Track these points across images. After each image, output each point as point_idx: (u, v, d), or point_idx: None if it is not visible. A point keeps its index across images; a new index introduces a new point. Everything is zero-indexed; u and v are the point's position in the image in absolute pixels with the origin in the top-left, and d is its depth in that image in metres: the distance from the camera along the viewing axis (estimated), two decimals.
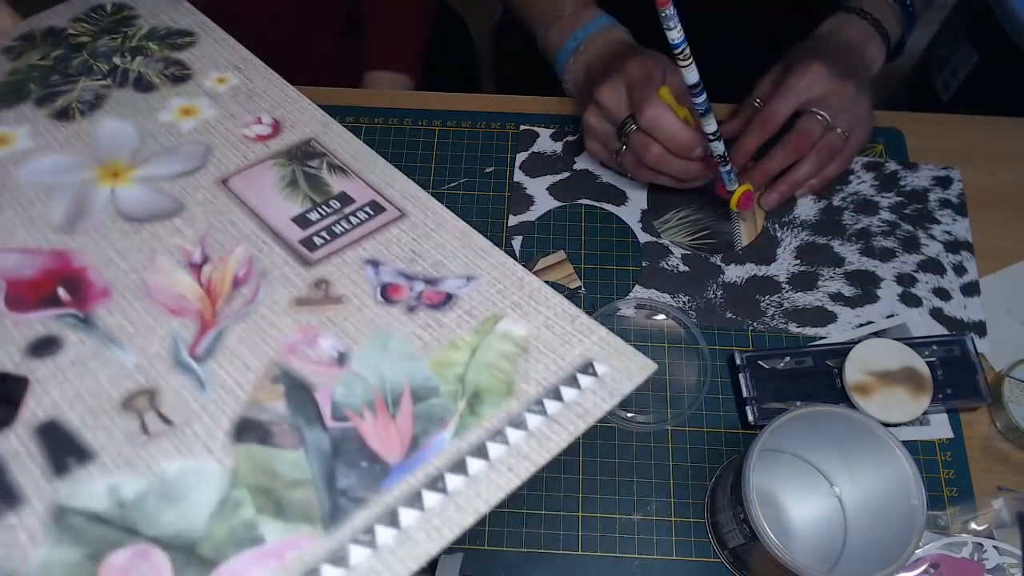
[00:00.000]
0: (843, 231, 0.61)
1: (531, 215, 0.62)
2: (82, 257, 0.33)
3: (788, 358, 0.55)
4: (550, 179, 0.64)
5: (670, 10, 0.45)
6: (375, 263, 0.33)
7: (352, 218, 0.35)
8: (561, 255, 0.61)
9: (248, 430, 0.28)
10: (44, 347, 0.30)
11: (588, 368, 0.30)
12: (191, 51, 0.42)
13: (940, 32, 0.84)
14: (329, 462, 0.27)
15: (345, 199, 0.36)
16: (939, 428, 0.54)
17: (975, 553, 0.49)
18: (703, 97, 0.50)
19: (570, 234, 0.62)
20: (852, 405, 0.52)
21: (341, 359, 0.30)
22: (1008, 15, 0.71)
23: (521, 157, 0.65)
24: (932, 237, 0.61)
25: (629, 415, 0.54)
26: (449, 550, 0.50)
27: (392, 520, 0.26)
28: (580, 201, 0.63)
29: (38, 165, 0.37)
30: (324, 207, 0.35)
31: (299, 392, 0.29)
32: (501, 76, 0.94)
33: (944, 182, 0.63)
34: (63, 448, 0.28)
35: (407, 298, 0.32)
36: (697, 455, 0.53)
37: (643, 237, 0.61)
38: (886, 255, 0.60)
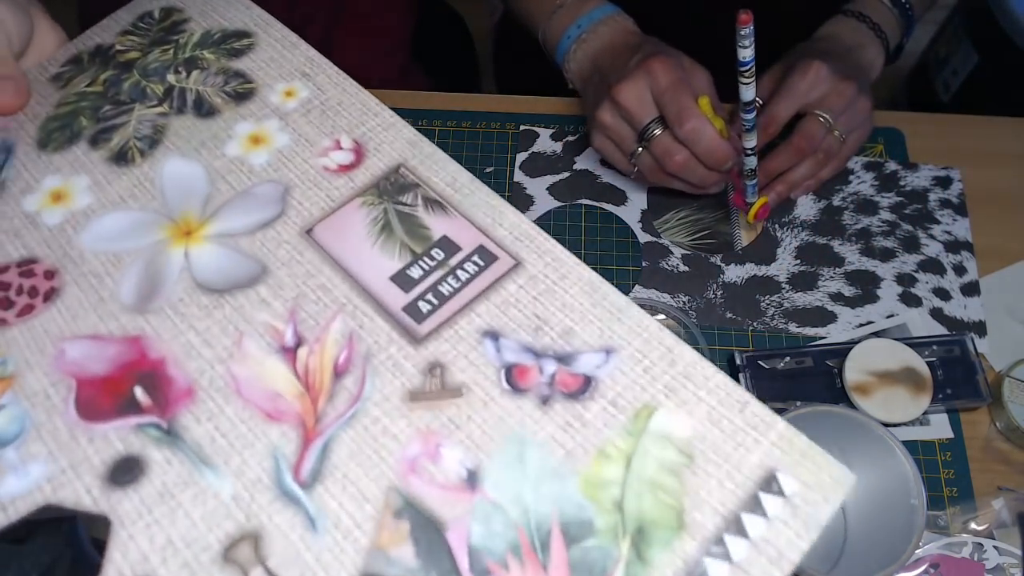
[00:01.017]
0: (843, 231, 0.61)
1: (531, 215, 0.62)
2: (159, 344, 0.29)
3: (788, 358, 0.55)
4: (550, 179, 0.64)
5: (750, 28, 0.44)
6: (494, 335, 0.28)
7: (460, 272, 0.29)
8: None
9: None
10: (125, 471, 0.26)
11: (772, 484, 0.23)
12: (251, 57, 0.37)
13: (940, 32, 0.84)
14: None
15: (448, 246, 0.30)
16: (939, 428, 0.54)
17: (975, 553, 0.49)
18: (753, 115, 0.50)
19: (570, 234, 0.62)
20: (852, 405, 0.52)
21: (471, 479, 0.25)
22: (1007, 15, 0.71)
23: (521, 157, 0.65)
24: (932, 237, 0.61)
25: None
26: None
27: None
28: (580, 201, 0.63)
29: (102, 227, 0.32)
30: (426, 259, 0.30)
31: (429, 533, 0.24)
32: (501, 76, 0.94)
33: (944, 182, 0.63)
34: None
35: (538, 384, 0.26)
36: None
37: (643, 237, 0.61)
38: (886, 255, 0.60)
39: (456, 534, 0.24)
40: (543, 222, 0.62)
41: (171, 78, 0.37)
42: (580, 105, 0.67)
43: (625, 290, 0.59)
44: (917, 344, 0.54)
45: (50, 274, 0.31)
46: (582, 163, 0.65)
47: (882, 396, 0.52)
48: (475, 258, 0.30)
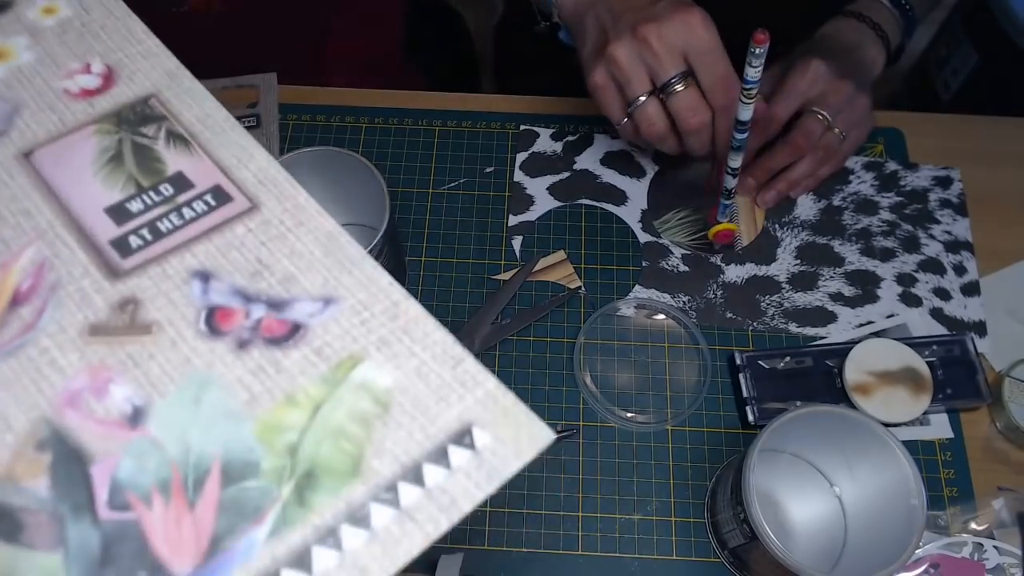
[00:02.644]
0: (843, 231, 0.61)
1: (531, 215, 0.62)
2: None
3: (788, 358, 0.55)
4: (550, 179, 0.64)
5: (764, 49, 0.42)
6: (205, 276, 0.26)
7: (186, 210, 0.27)
8: (561, 255, 0.61)
9: None
10: None
11: (465, 437, 0.23)
12: None
13: (940, 32, 0.84)
14: (94, 570, 0.20)
15: (181, 183, 0.28)
16: (939, 428, 0.54)
17: (975, 553, 0.49)
18: (745, 135, 0.49)
19: (570, 234, 0.62)
20: (852, 405, 0.52)
21: (135, 416, 0.23)
22: (1007, 15, 0.71)
23: (521, 157, 0.65)
24: (932, 237, 0.61)
25: (629, 415, 0.54)
26: (449, 550, 0.50)
27: None
28: (580, 201, 0.63)
29: None
30: (152, 193, 0.27)
31: (70, 465, 0.22)
32: (501, 76, 0.94)
33: (944, 182, 0.63)
34: None
35: (239, 328, 0.25)
36: (697, 455, 0.53)
37: (643, 237, 0.61)
38: (886, 255, 0.60)
39: (101, 468, 0.22)
40: (543, 222, 0.62)
41: None
42: (583, 105, 0.67)
43: (625, 290, 0.59)
44: (917, 344, 0.54)
45: None
46: (582, 163, 0.65)
47: (882, 396, 0.52)
48: (207, 197, 0.27)
